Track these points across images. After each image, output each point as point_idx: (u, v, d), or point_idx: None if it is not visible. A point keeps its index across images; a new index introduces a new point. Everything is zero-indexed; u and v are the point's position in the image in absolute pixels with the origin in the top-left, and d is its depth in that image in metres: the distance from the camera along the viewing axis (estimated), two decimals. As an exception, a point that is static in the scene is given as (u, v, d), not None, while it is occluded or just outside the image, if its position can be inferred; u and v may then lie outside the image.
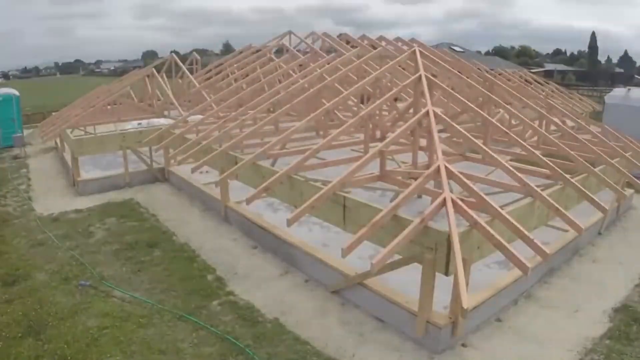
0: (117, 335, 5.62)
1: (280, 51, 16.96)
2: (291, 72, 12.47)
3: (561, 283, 6.93)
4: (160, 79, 16.20)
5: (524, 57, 74.18)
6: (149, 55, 76.27)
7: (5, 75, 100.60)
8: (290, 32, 17.55)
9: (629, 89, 17.86)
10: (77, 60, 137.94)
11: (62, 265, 7.40)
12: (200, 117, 12.02)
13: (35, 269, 7.28)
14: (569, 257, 7.67)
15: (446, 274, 4.90)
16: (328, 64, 11.27)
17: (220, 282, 7.02)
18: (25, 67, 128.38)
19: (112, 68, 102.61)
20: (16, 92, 17.85)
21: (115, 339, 5.57)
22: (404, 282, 5.82)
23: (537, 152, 7.46)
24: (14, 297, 6.41)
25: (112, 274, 7.17)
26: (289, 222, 5.80)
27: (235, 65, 16.37)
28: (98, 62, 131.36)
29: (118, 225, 9.20)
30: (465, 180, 5.64)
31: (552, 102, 11.60)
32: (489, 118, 7.93)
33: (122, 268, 7.40)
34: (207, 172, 10.93)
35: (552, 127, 9.51)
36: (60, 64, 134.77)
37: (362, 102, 12.21)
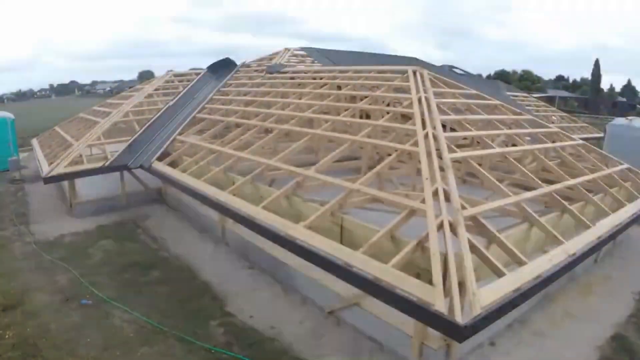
0: (117, 355, 5.63)
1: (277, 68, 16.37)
2: (290, 92, 12.44)
3: (555, 310, 6.90)
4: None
5: (525, 81, 74.65)
6: (146, 76, 75.02)
7: None
8: (287, 49, 17.24)
9: (631, 119, 17.86)
10: (72, 82, 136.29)
11: (62, 287, 7.42)
12: (197, 137, 11.99)
13: (34, 291, 7.26)
14: (563, 284, 7.64)
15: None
16: (326, 83, 11.39)
17: (218, 303, 7.02)
18: (20, 90, 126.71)
19: (108, 89, 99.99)
20: (11, 116, 17.78)
21: (116, 358, 5.59)
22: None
23: (536, 178, 7.50)
24: (14, 321, 6.38)
25: (111, 294, 7.14)
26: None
27: (232, 84, 15.90)
28: (93, 83, 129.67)
29: (116, 247, 9.18)
30: (463, 203, 5.67)
31: (553, 128, 11.63)
32: (491, 143, 8.00)
33: (121, 289, 7.38)
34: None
35: (552, 154, 9.55)
36: (55, 86, 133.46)
37: (361, 118, 12.22)
